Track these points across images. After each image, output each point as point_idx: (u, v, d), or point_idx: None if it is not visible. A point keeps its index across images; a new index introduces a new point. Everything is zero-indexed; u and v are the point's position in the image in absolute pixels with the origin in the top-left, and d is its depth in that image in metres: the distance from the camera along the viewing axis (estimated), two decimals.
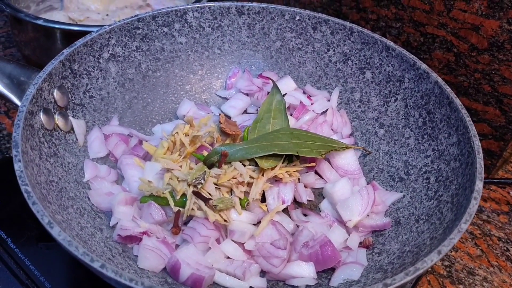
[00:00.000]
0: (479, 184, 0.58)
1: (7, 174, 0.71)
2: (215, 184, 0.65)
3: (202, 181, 0.64)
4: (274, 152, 0.68)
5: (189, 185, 0.64)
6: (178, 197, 0.64)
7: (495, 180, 0.85)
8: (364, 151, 0.80)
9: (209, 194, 0.64)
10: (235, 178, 0.66)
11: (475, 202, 0.56)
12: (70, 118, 0.71)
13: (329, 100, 0.85)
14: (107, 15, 1.06)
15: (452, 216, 0.59)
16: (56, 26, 0.86)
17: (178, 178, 0.66)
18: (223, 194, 0.65)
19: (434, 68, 0.85)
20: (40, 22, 0.85)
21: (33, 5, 1.05)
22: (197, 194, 0.63)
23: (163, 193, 0.64)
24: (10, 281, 0.65)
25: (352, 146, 0.77)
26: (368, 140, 0.81)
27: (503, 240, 0.81)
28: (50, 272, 0.66)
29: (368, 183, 0.76)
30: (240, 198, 0.65)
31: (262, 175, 0.67)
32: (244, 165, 0.68)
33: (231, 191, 0.66)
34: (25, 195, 0.52)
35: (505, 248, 0.80)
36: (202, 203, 0.63)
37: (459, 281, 0.75)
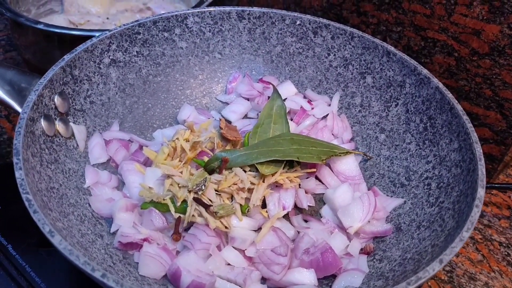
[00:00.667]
0: (481, 192, 0.58)
1: (7, 179, 0.71)
2: (216, 190, 0.65)
3: (203, 187, 0.64)
4: (275, 158, 0.68)
5: (189, 191, 0.64)
6: (178, 204, 0.64)
7: (496, 185, 0.86)
8: (365, 157, 0.80)
9: (210, 200, 0.64)
10: (236, 184, 0.66)
11: (477, 210, 0.56)
12: (71, 124, 0.71)
13: (329, 105, 0.85)
14: (107, 18, 1.06)
15: (453, 223, 0.59)
16: (57, 30, 0.85)
17: (178, 184, 0.65)
18: (223, 201, 0.65)
19: (434, 72, 0.85)
20: (40, 26, 0.85)
21: (33, 8, 1.05)
22: (197, 200, 0.63)
23: (163, 200, 0.64)
24: None
25: (353, 152, 0.77)
26: (368, 145, 0.81)
27: (504, 245, 0.81)
28: (51, 279, 0.66)
29: (369, 189, 0.75)
30: (240, 205, 0.65)
31: (263, 181, 0.67)
32: (245, 171, 0.68)
33: (231, 197, 0.66)
34: (26, 203, 0.52)
35: (506, 253, 0.80)
36: (202, 210, 0.63)
37: (460, 287, 0.75)
